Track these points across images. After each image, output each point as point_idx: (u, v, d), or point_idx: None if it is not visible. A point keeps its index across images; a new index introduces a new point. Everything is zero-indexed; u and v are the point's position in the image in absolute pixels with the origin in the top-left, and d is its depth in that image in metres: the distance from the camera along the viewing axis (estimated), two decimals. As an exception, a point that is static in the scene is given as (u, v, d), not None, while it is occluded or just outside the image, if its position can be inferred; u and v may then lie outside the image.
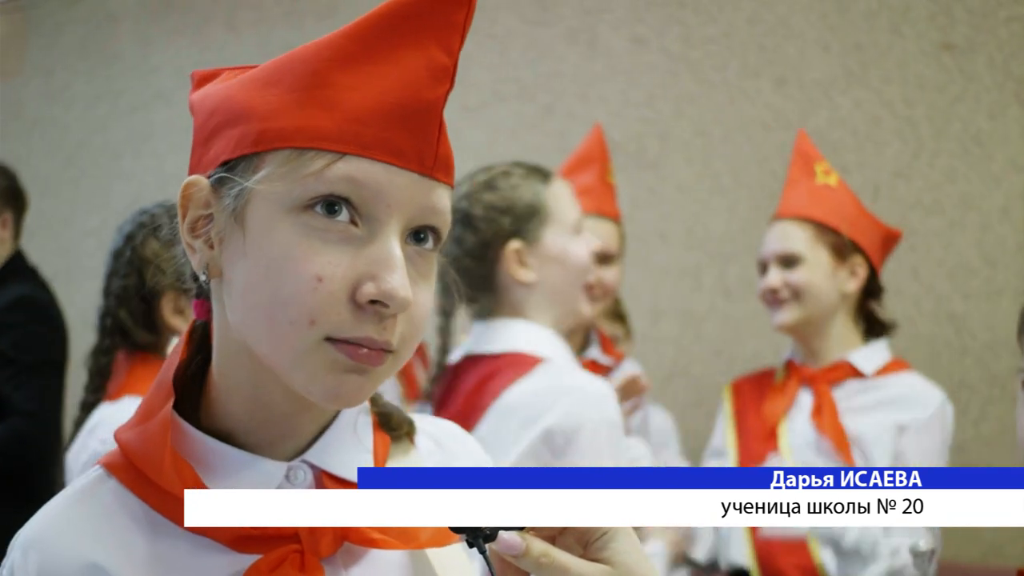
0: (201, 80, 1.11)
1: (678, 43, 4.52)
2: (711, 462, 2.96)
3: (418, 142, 0.99)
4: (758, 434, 2.79)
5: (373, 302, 0.96)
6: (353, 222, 0.97)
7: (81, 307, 6.33)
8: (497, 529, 0.95)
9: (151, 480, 1.01)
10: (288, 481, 1.05)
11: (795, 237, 2.75)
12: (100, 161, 6.22)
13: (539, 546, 0.95)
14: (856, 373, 2.75)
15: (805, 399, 2.78)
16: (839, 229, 2.74)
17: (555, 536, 0.99)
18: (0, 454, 3.36)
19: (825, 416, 2.68)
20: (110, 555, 0.99)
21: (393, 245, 0.97)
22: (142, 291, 2.23)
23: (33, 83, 6.51)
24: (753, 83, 4.35)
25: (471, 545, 0.96)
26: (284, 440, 1.06)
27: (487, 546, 0.96)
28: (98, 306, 2.37)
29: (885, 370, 2.77)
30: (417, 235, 1.02)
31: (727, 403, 2.94)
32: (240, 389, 1.04)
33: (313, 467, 1.07)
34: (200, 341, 1.11)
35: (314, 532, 1.02)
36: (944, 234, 3.94)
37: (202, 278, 1.05)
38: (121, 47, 6.15)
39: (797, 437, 2.72)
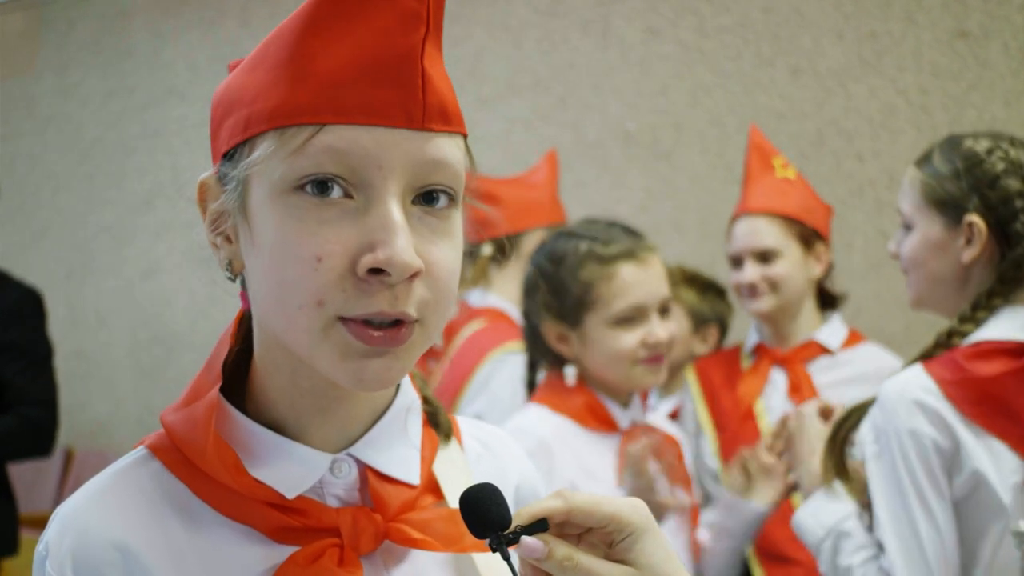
0: (230, 71, 1.08)
1: (692, 33, 4.51)
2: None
3: (400, 96, 0.93)
4: (733, 414, 2.90)
5: (376, 272, 0.91)
6: (348, 195, 0.93)
7: (95, 303, 6.37)
8: (520, 533, 0.94)
9: (193, 464, 1.00)
10: (332, 474, 1.03)
11: (767, 232, 2.87)
12: (114, 157, 6.24)
13: (562, 550, 0.94)
14: (823, 350, 2.90)
15: (778, 378, 2.91)
16: (805, 221, 2.89)
17: (580, 535, 0.98)
18: (19, 441, 3.45)
19: (804, 393, 2.80)
20: (142, 537, 0.98)
21: (390, 209, 0.92)
22: (530, 317, 2.34)
23: (46, 80, 6.53)
24: (768, 73, 4.34)
25: (494, 550, 0.94)
26: (332, 430, 1.03)
27: (511, 550, 0.95)
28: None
29: (847, 343, 2.92)
30: (428, 196, 0.96)
31: (694, 384, 3.02)
32: (280, 377, 1.02)
33: (358, 461, 1.05)
34: (248, 329, 1.08)
35: (355, 527, 1.01)
36: None
37: (227, 274, 1.04)
38: (134, 43, 6.16)
39: (775, 415, 2.79)
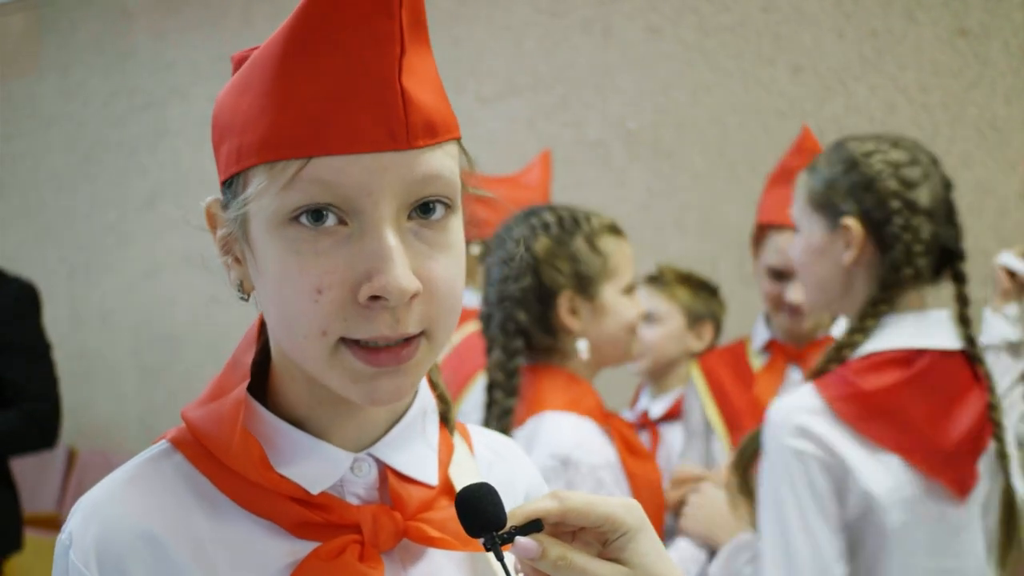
0: (236, 66, 1.06)
1: (693, 32, 4.52)
2: (694, 442, 2.91)
3: (381, 118, 0.92)
4: (747, 412, 2.74)
5: (375, 298, 0.91)
6: (342, 221, 0.93)
7: (98, 302, 6.38)
8: (514, 533, 0.95)
9: (216, 458, 1.01)
10: (353, 473, 1.04)
11: None
12: (116, 157, 6.25)
13: (556, 550, 0.95)
14: None
15: (795, 377, 2.76)
16: None
17: (574, 533, 0.99)
18: (23, 436, 3.48)
19: None
20: (167, 527, 0.98)
21: (384, 235, 0.92)
22: (539, 292, 2.23)
23: (49, 80, 6.54)
24: (768, 71, 4.35)
25: (488, 549, 0.95)
26: (351, 429, 1.04)
27: (505, 550, 0.95)
28: (485, 314, 2.33)
29: None
30: (424, 207, 0.95)
31: (700, 381, 2.90)
32: (297, 385, 1.03)
33: (378, 461, 1.05)
34: (266, 334, 1.08)
35: (376, 525, 1.01)
36: (961, 219, 3.93)
37: (239, 295, 1.04)
38: (136, 43, 6.17)
39: None
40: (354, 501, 1.04)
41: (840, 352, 1.94)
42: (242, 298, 1.04)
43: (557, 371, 2.25)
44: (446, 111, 0.98)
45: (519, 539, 0.95)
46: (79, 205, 6.41)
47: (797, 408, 1.89)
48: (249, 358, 1.05)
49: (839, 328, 2.80)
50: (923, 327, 1.93)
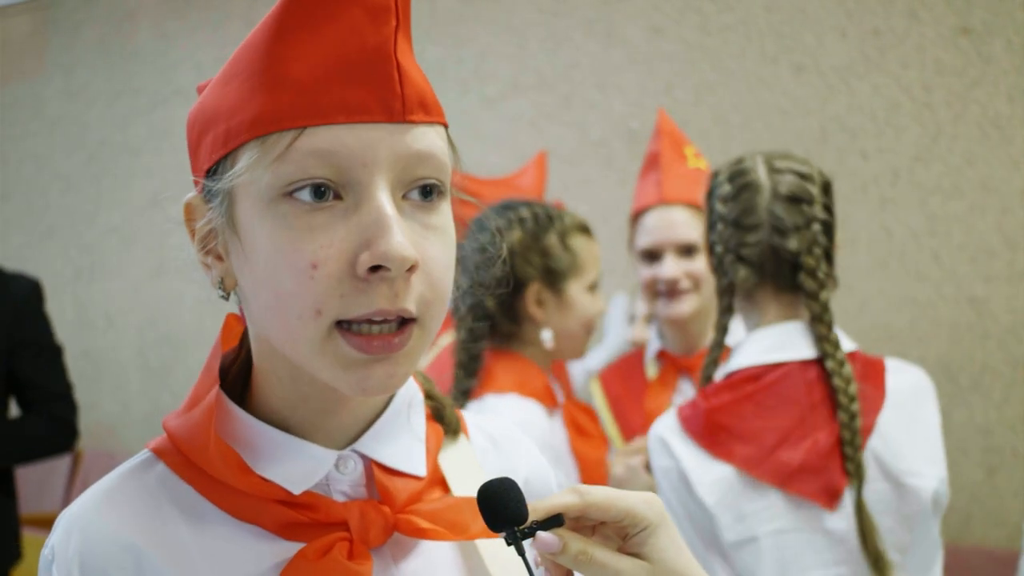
0: (201, 91, 1.08)
1: (696, 32, 4.52)
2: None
3: (378, 90, 0.93)
4: (640, 426, 2.67)
5: (375, 269, 0.91)
6: (337, 196, 0.93)
7: (103, 303, 6.39)
8: (535, 528, 0.95)
9: (198, 466, 1.01)
10: (338, 470, 1.04)
11: (688, 224, 2.66)
12: (121, 158, 6.25)
13: (577, 545, 0.95)
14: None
15: (686, 388, 2.72)
16: None
17: (594, 527, 0.99)
18: (51, 439, 3.46)
19: None
20: (150, 538, 0.98)
21: (382, 203, 0.92)
22: (509, 281, 2.25)
23: (53, 81, 6.55)
24: (771, 70, 4.35)
25: (509, 543, 0.95)
26: (334, 427, 1.04)
27: (525, 543, 0.95)
28: (455, 298, 2.35)
29: None
30: (420, 190, 0.96)
31: (599, 396, 2.87)
32: (280, 386, 1.02)
33: (363, 457, 1.05)
34: (246, 333, 1.08)
35: (364, 521, 1.01)
36: (964, 218, 3.94)
37: (219, 294, 1.03)
38: (140, 44, 6.17)
39: None
40: (341, 498, 1.04)
41: (707, 370, 2.01)
42: (223, 296, 1.04)
43: (514, 356, 2.36)
44: (434, 95, 0.99)
45: (540, 533, 0.95)
46: (84, 206, 6.41)
47: (660, 425, 1.98)
48: (216, 364, 1.05)
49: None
50: (781, 339, 1.94)
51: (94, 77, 6.37)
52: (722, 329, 2.00)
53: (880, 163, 4.06)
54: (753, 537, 1.84)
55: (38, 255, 6.53)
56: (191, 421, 1.02)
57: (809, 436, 1.86)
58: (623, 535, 0.98)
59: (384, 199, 0.92)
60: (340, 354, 0.94)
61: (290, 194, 0.93)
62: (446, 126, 1.01)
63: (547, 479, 1.26)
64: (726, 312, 2.00)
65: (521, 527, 0.95)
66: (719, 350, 2.00)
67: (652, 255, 2.69)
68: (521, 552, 0.95)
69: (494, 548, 1.08)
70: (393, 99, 0.93)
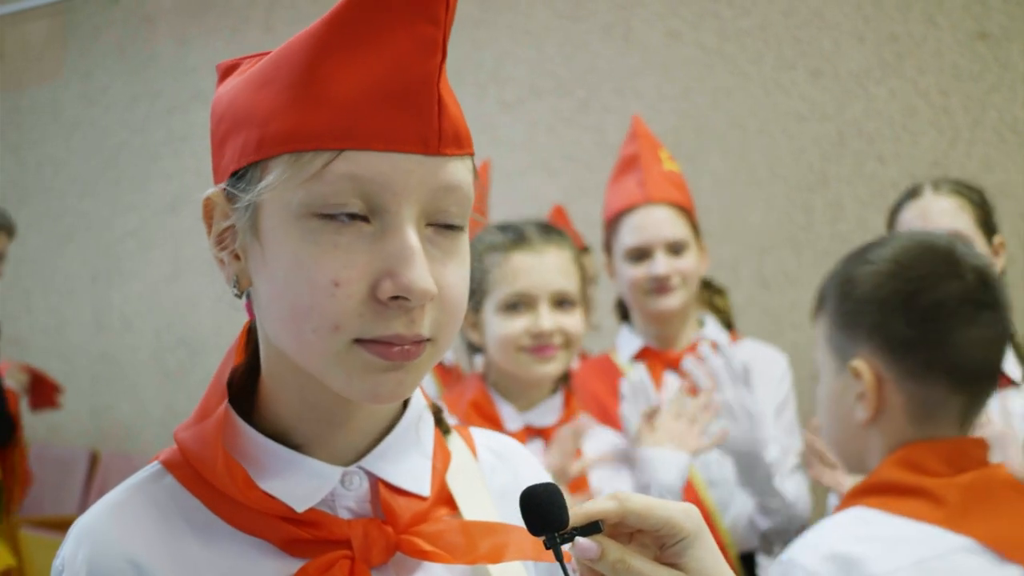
0: (224, 73, 1.09)
1: (713, 36, 4.52)
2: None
3: (416, 122, 0.93)
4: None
5: (395, 297, 0.92)
6: (364, 219, 0.94)
7: (120, 306, 6.41)
8: (575, 533, 0.95)
9: (206, 479, 1.01)
10: (343, 486, 1.04)
11: (675, 222, 2.71)
12: (139, 162, 6.28)
13: (615, 552, 0.94)
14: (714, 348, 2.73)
15: (672, 383, 2.72)
16: (693, 215, 2.77)
17: (631, 535, 0.97)
18: None
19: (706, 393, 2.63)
20: (156, 551, 0.99)
21: (407, 235, 0.93)
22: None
23: (72, 85, 6.58)
24: (789, 75, 4.35)
25: (548, 547, 0.94)
26: (341, 442, 1.05)
27: (563, 548, 0.95)
28: None
29: (732, 340, 2.82)
30: (442, 219, 0.97)
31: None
32: (288, 390, 1.03)
33: (369, 474, 1.05)
34: (255, 343, 1.08)
35: (366, 540, 1.01)
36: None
37: (233, 291, 1.03)
38: (159, 48, 6.20)
39: None
40: (346, 515, 1.04)
41: None
42: (236, 295, 1.04)
43: (472, 377, 2.36)
44: (466, 125, 1.00)
45: (579, 540, 0.94)
46: (101, 210, 6.44)
47: None
48: (227, 376, 1.05)
49: (711, 330, 2.82)
50: None
51: (112, 81, 6.40)
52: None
53: (897, 168, 4.06)
54: None
55: (56, 258, 6.56)
56: (200, 434, 1.03)
57: None
58: (660, 544, 0.97)
59: (410, 230, 0.94)
60: (358, 362, 0.95)
61: (318, 213, 0.93)
62: (473, 154, 1.01)
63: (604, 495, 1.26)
64: None
65: (561, 532, 0.95)
66: None
67: (640, 254, 2.72)
68: (559, 557, 0.94)
69: (500, 570, 1.08)
70: (431, 133, 0.94)
